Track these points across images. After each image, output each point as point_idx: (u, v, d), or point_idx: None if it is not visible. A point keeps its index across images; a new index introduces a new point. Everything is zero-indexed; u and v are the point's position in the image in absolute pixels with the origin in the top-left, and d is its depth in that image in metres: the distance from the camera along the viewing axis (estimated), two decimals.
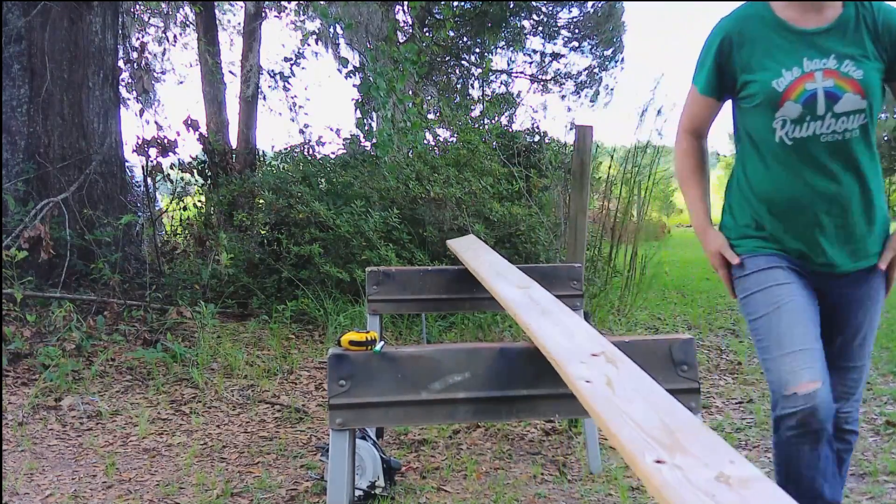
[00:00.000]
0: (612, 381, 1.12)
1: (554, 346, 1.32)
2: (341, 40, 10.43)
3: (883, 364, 4.24)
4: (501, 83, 15.24)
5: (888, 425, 3.14)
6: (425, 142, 6.73)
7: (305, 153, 6.53)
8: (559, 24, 14.74)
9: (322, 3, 8.62)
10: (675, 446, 0.87)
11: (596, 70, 15.00)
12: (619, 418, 0.97)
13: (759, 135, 1.77)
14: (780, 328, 1.69)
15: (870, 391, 3.64)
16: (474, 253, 2.70)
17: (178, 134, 5.72)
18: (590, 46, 14.86)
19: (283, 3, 10.37)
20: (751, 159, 1.81)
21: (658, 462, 0.84)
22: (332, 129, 6.77)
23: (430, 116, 9.66)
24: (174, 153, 5.57)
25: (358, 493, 2.43)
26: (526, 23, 14.57)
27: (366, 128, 6.32)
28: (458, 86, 15.01)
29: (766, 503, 0.74)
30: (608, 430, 0.97)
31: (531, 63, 15.39)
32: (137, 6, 9.64)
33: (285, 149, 6.66)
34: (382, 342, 1.42)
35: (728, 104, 1.88)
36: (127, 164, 6.43)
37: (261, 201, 6.04)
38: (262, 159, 7.85)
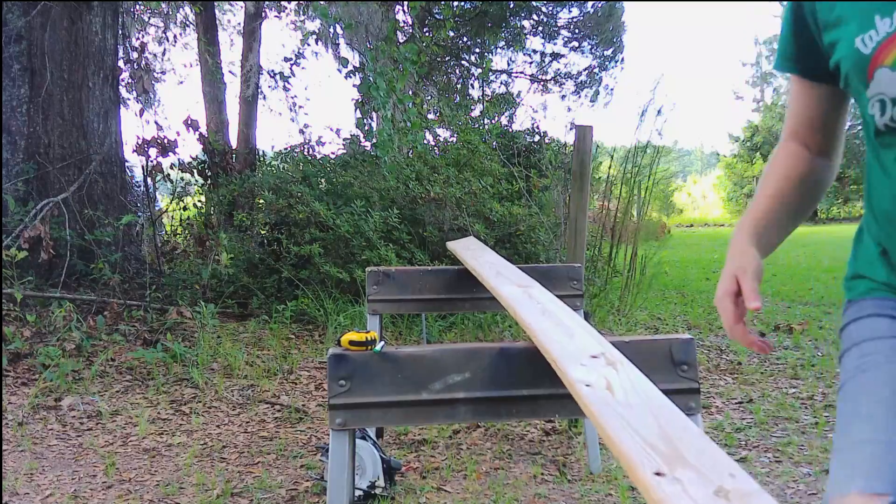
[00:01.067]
0: (611, 385, 1.11)
1: (554, 346, 1.32)
2: (341, 40, 10.43)
3: None
4: (501, 83, 15.25)
5: None
6: (425, 142, 6.73)
7: (305, 153, 6.53)
8: (559, 24, 14.74)
9: (322, 3, 8.62)
10: (675, 456, 0.87)
11: (596, 70, 15.00)
12: (619, 425, 0.97)
13: (867, 126, 1.19)
14: (855, 402, 1.10)
15: None
16: (474, 253, 2.70)
17: (178, 134, 5.73)
18: (590, 46, 14.86)
19: (283, 3, 10.37)
20: (869, 162, 1.23)
21: (658, 475, 0.84)
22: (332, 129, 6.78)
23: (430, 116, 9.66)
24: (174, 153, 5.57)
25: (358, 493, 2.43)
26: (526, 23, 14.57)
27: (366, 128, 6.33)
28: (458, 86, 15.01)
29: None
30: (608, 437, 0.97)
31: (531, 63, 15.40)
32: (137, 6, 9.64)
33: (285, 149, 6.67)
34: (382, 342, 1.42)
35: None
36: (127, 164, 6.43)
37: (261, 201, 6.04)
38: (262, 159, 7.85)
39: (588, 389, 1.10)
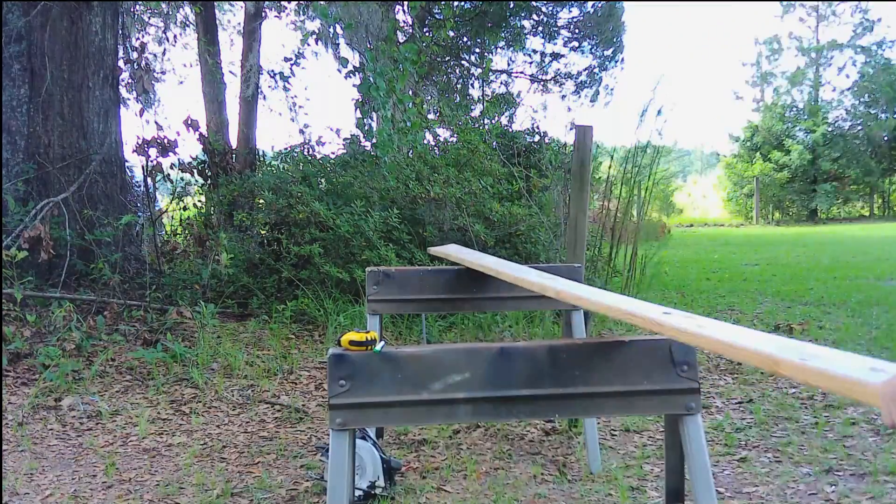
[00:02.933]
0: (702, 325, 1.28)
1: (623, 305, 1.49)
2: (341, 40, 10.42)
3: None
4: (501, 83, 15.25)
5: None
6: (425, 142, 6.73)
7: (305, 153, 6.53)
8: (559, 24, 14.74)
9: (322, 3, 8.62)
10: (810, 355, 1.03)
11: (596, 70, 14.99)
12: (732, 337, 1.17)
13: None
14: None
15: None
16: (471, 256, 2.71)
17: (178, 134, 5.72)
18: (590, 46, 14.86)
19: (283, 3, 10.37)
20: None
21: (804, 361, 1.01)
22: (332, 129, 6.79)
23: (430, 116, 9.66)
24: (174, 153, 5.57)
25: (358, 493, 2.43)
26: (526, 23, 14.57)
27: (366, 128, 6.33)
28: (458, 86, 15.01)
29: None
30: (725, 346, 1.15)
31: (531, 63, 15.39)
32: (137, 6, 9.64)
33: (285, 149, 6.67)
34: (382, 342, 1.42)
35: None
36: (127, 164, 6.43)
37: (261, 201, 6.04)
38: (262, 159, 7.85)
39: (671, 318, 1.31)
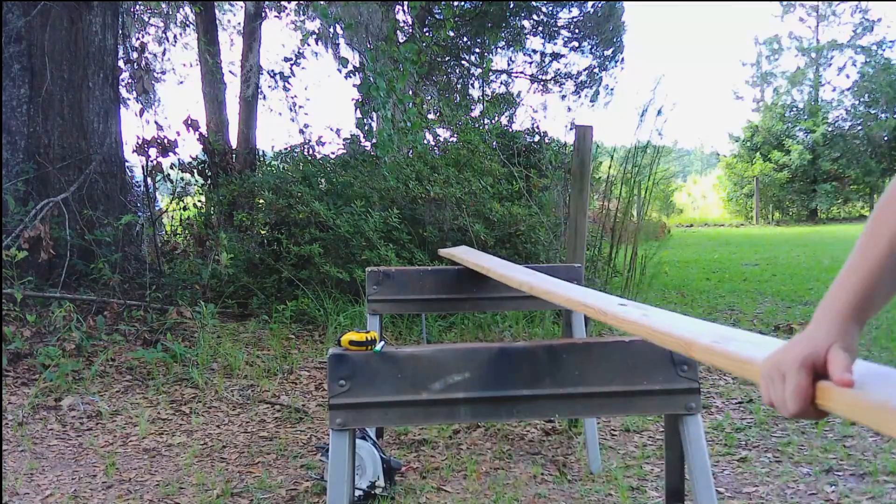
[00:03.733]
0: (648, 314, 1.25)
1: (588, 299, 1.47)
2: (341, 40, 10.42)
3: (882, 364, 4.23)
4: (501, 83, 15.24)
5: None
6: (425, 142, 6.73)
7: (305, 153, 6.53)
8: (559, 24, 14.74)
9: (322, 3, 8.62)
10: (725, 338, 1.01)
11: (596, 70, 15.00)
12: (666, 326, 1.14)
13: None
14: None
15: None
16: (475, 256, 2.71)
17: (178, 134, 5.73)
18: (590, 46, 14.86)
19: (283, 3, 10.37)
20: None
21: (715, 342, 0.99)
22: (332, 129, 6.78)
23: (430, 116, 9.66)
24: (174, 153, 5.57)
25: (358, 493, 2.43)
26: (526, 23, 14.57)
27: (366, 128, 6.33)
28: (458, 86, 15.01)
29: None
30: (654, 332, 1.13)
31: (531, 63, 15.39)
32: (137, 6, 9.64)
33: (285, 149, 6.67)
34: (382, 342, 1.42)
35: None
36: (127, 164, 6.43)
37: (261, 201, 6.04)
38: (262, 159, 7.85)
39: (625, 310, 1.27)
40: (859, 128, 22.69)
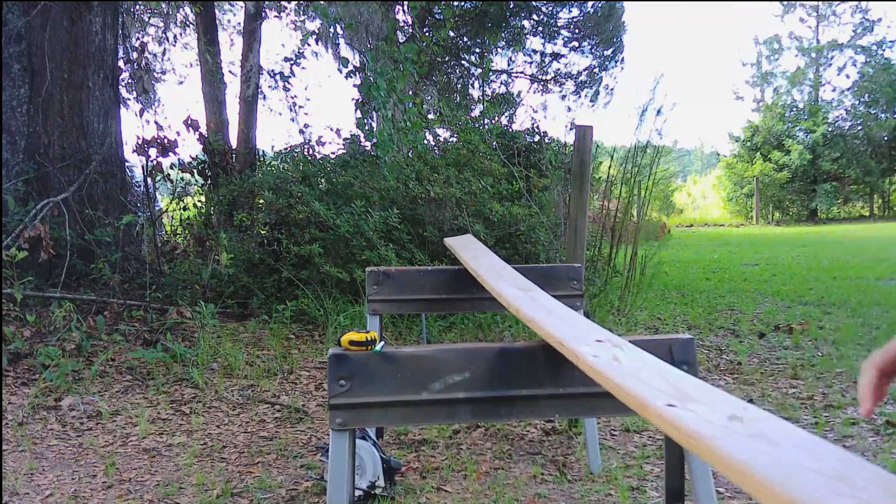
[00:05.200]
0: (618, 357, 1.15)
1: (559, 331, 1.35)
2: (341, 40, 10.43)
3: None
4: (501, 83, 15.24)
5: (888, 425, 3.14)
6: (425, 142, 6.73)
7: (305, 153, 6.53)
8: (559, 24, 14.74)
9: (322, 3, 8.62)
10: (686, 397, 0.90)
11: (596, 70, 15.00)
12: (628, 380, 1.00)
13: None
14: None
15: None
16: (474, 253, 2.70)
17: (178, 134, 5.72)
18: (590, 46, 14.86)
19: (283, 3, 10.38)
20: None
21: (670, 406, 0.86)
22: (332, 129, 6.78)
23: (430, 116, 9.66)
24: (174, 153, 5.57)
25: (358, 493, 2.43)
26: (526, 23, 14.57)
27: (366, 128, 6.33)
28: (458, 86, 15.01)
29: (779, 432, 0.78)
30: (615, 387, 0.98)
31: (531, 63, 15.40)
32: (137, 6, 9.64)
33: (285, 149, 6.66)
34: (382, 342, 1.42)
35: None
36: (127, 164, 6.43)
37: (261, 201, 6.04)
38: (262, 159, 7.85)
39: (595, 359, 1.13)
40: (859, 128, 22.70)
